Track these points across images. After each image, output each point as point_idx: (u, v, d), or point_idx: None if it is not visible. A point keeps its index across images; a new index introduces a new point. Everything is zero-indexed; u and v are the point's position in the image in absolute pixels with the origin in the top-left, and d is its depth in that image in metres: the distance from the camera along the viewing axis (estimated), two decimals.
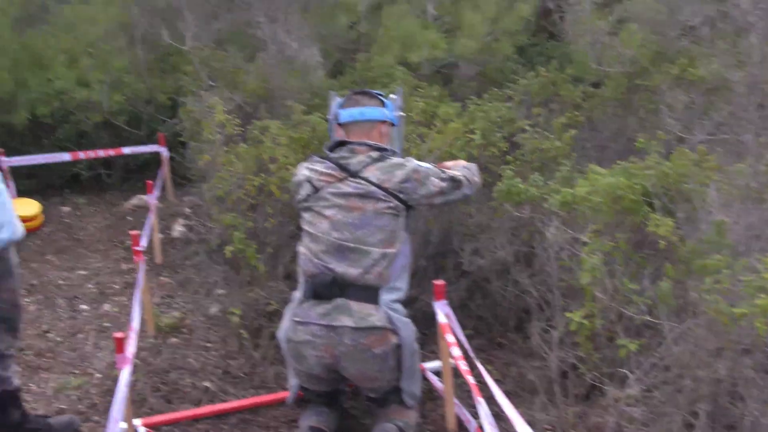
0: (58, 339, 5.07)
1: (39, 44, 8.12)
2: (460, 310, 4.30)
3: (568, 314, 3.52)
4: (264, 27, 6.59)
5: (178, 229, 6.80)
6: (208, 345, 4.82)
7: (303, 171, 3.45)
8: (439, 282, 3.55)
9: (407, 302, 3.61)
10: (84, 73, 7.95)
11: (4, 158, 7.20)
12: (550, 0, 8.33)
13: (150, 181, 6.17)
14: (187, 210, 7.28)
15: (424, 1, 7.46)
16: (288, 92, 6.12)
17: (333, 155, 3.39)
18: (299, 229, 4.98)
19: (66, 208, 7.78)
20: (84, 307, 5.56)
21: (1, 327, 3.39)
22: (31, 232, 6.72)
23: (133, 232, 4.72)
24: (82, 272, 6.24)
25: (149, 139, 8.11)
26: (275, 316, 4.61)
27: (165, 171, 7.64)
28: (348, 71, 6.93)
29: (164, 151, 7.59)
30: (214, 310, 5.22)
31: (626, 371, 3.38)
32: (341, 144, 3.43)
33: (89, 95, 7.84)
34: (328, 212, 3.30)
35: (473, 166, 3.76)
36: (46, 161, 7.64)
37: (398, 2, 7.46)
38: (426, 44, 7.02)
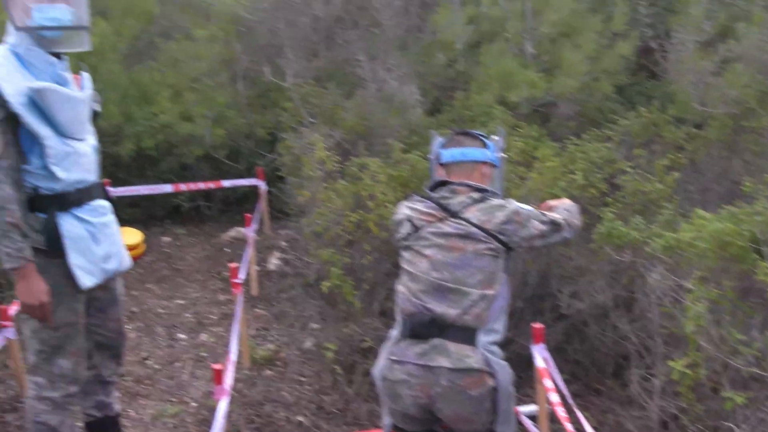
0: (157, 366, 5.18)
1: (146, 79, 8.43)
2: (556, 353, 4.22)
3: (670, 363, 3.41)
4: (364, 65, 6.67)
5: (274, 262, 6.90)
6: (302, 379, 4.86)
7: (403, 210, 3.45)
8: (538, 325, 3.50)
9: (503, 344, 3.56)
10: (188, 107, 8.21)
11: (110, 188, 7.46)
12: (651, 39, 8.20)
13: (248, 215, 6.29)
14: (283, 243, 7.39)
15: (523, 40, 7.44)
16: (386, 130, 6.17)
17: (434, 195, 3.38)
18: (395, 266, 4.99)
19: (167, 238, 7.99)
20: (182, 336, 5.69)
21: (106, 354, 3.51)
22: (133, 260, 6.91)
23: (232, 265, 4.81)
24: (181, 301, 6.39)
25: (248, 173, 8.29)
26: (370, 352, 4.61)
27: (262, 204, 7.78)
28: (446, 109, 6.95)
29: (262, 185, 7.74)
30: (308, 344, 5.26)
31: (732, 425, 3.25)
32: (442, 184, 3.42)
33: (192, 129, 8.09)
34: (428, 252, 3.29)
35: (574, 207, 3.70)
36: (149, 192, 7.89)
37: (496, 40, 7.46)
38: (524, 83, 6.99)
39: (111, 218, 3.37)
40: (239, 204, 8.59)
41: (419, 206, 3.39)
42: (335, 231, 4.92)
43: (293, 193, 6.57)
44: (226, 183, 8.00)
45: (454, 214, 3.28)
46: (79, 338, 3.28)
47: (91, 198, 3.25)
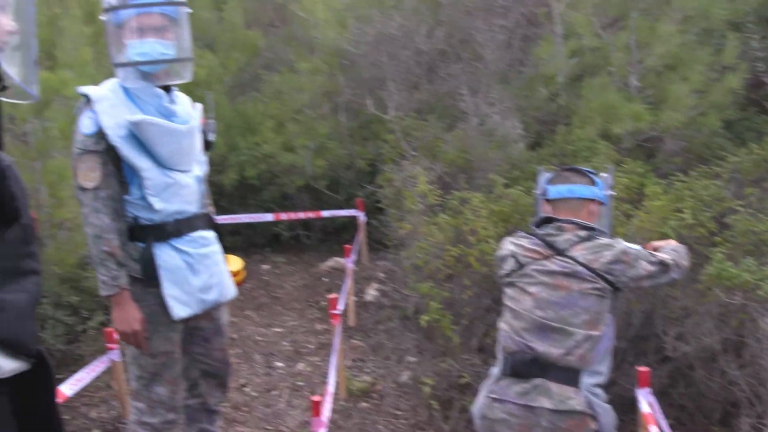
0: (254, 394, 5.24)
1: (250, 110, 8.63)
2: (660, 397, 4.08)
3: None
4: (466, 98, 6.67)
5: (371, 293, 6.92)
6: (398, 413, 4.83)
7: (508, 246, 3.42)
8: (644, 369, 3.40)
9: (605, 385, 3.47)
10: (290, 138, 8.36)
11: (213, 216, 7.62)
12: (763, 73, 7.94)
13: (347, 246, 6.34)
14: (381, 275, 7.41)
15: (627, 73, 7.31)
16: (487, 164, 6.14)
17: (539, 232, 3.34)
18: (495, 302, 4.95)
19: (266, 266, 8.12)
20: (279, 364, 5.74)
21: (212, 383, 3.56)
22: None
23: (331, 296, 4.84)
24: (279, 329, 6.47)
25: (347, 204, 8.37)
26: (467, 389, 4.56)
27: (361, 235, 7.83)
28: (547, 143, 6.88)
29: (361, 216, 7.79)
30: (405, 377, 5.24)
31: None
32: (548, 221, 3.38)
33: (294, 159, 8.23)
34: (532, 289, 3.24)
35: (682, 248, 3.59)
36: (250, 220, 8.06)
37: (599, 74, 7.35)
38: (628, 116, 6.85)
39: (213, 249, 3.40)
40: (338, 234, 8.68)
41: (524, 242, 3.35)
42: (435, 265, 4.90)
43: (392, 225, 6.60)
44: (326, 213, 8.10)
45: (560, 252, 3.23)
46: (176, 367, 3.33)
47: (192, 229, 3.30)
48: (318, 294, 7.25)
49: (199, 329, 3.43)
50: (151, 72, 3.15)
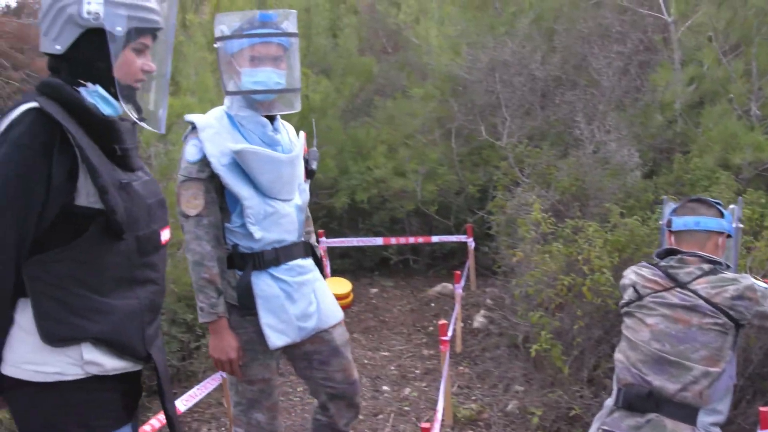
0: (361, 417, 5.24)
1: (362, 135, 8.73)
2: None
3: None
4: (581, 125, 6.57)
5: (479, 319, 6.87)
6: None
7: (630, 275, 3.35)
8: (765, 409, 3.24)
9: (722, 425, 3.33)
10: (401, 163, 8.41)
11: (323, 239, 7.74)
12: None
13: (457, 272, 6.31)
14: (489, 301, 7.34)
15: (748, 100, 7.06)
16: (602, 192, 6.01)
17: (662, 263, 3.26)
18: (607, 333, 4.84)
19: (374, 290, 8.16)
20: (386, 388, 5.75)
21: (341, 404, 3.48)
22: (342, 309, 7.10)
23: (441, 323, 4.82)
24: (386, 353, 6.48)
25: (457, 229, 8.35)
26: (576, 421, 4.47)
27: (470, 261, 7.79)
28: (663, 172, 6.70)
29: (471, 242, 7.75)
30: (512, 406, 5.16)
31: None
32: (671, 252, 3.29)
33: (404, 184, 8.27)
34: (650, 320, 3.15)
35: None
36: (360, 244, 8.13)
37: (719, 101, 7.13)
38: (749, 146, 6.61)
39: (310, 277, 3.37)
40: (446, 259, 8.66)
41: (645, 273, 3.27)
42: (547, 294, 4.83)
43: (502, 252, 6.54)
44: (435, 238, 8.08)
45: (682, 285, 3.13)
46: (274, 393, 3.34)
47: (290, 257, 3.28)
48: (425, 319, 7.24)
49: (315, 353, 3.40)
50: (261, 101, 3.19)
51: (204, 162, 3.09)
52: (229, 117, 3.18)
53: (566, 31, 8.57)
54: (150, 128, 2.42)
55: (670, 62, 7.54)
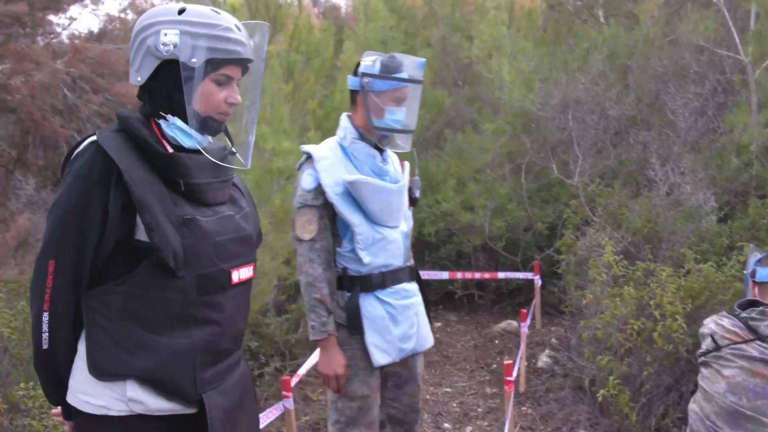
0: None
1: (431, 167, 8.73)
2: None
3: None
4: (655, 166, 6.46)
5: (543, 359, 6.76)
6: None
7: (709, 324, 3.26)
8: None
9: None
10: (469, 197, 8.38)
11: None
12: None
13: (524, 310, 6.23)
14: (554, 341, 7.22)
15: None
16: (675, 235, 5.88)
17: (743, 314, 3.16)
18: (677, 382, 4.71)
19: (438, 324, 8.11)
20: (447, 425, 5.68)
21: (398, 429, 3.60)
22: None
23: (507, 362, 4.76)
24: (448, 389, 6.41)
25: (523, 266, 8.27)
26: None
27: (536, 300, 7.68)
28: (738, 216, 6.53)
29: (537, 280, 7.65)
30: None
31: None
32: (754, 303, 3.19)
33: (472, 219, 8.23)
34: (727, 372, 3.06)
35: None
36: (426, 277, 8.08)
37: None
38: None
39: (414, 301, 3.52)
40: (511, 296, 8.58)
41: (725, 323, 3.18)
42: (616, 338, 4.72)
43: (570, 291, 6.45)
44: (502, 275, 8.00)
45: (762, 338, 3.03)
46: (372, 412, 3.44)
47: (396, 281, 3.45)
48: (489, 356, 7.15)
49: (394, 375, 3.54)
50: (385, 137, 3.38)
51: (319, 190, 3.30)
52: (342, 148, 3.40)
53: (640, 69, 8.48)
54: (233, 165, 2.41)
55: (747, 104, 7.38)
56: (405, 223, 3.56)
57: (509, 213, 8.30)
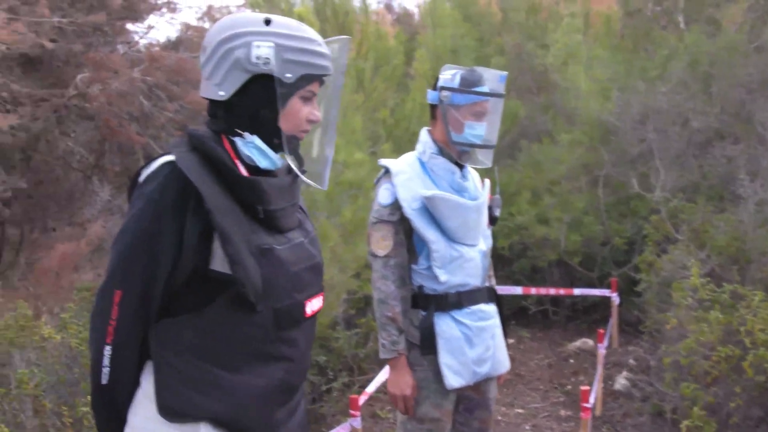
0: None
1: (505, 179, 8.52)
2: None
3: None
4: (744, 182, 6.15)
5: (621, 381, 6.50)
6: None
7: None
8: None
9: None
10: (544, 210, 8.16)
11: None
12: None
13: (601, 330, 5.99)
14: (632, 362, 6.96)
15: None
16: (766, 256, 5.58)
17: None
18: (767, 414, 4.44)
19: (510, 340, 7.88)
20: None
21: None
22: None
23: (583, 389, 4.56)
24: (520, 410, 6.23)
25: (600, 282, 8.02)
26: None
27: (614, 319, 7.40)
28: None
29: (615, 297, 7.37)
30: None
31: None
32: None
33: (547, 232, 8.02)
34: None
35: None
36: (498, 292, 7.86)
37: None
38: None
39: (491, 323, 3.40)
40: (587, 313, 8.32)
41: None
42: (701, 366, 4.47)
43: (650, 311, 6.20)
44: (578, 291, 7.75)
45: None
46: None
47: (473, 301, 3.33)
48: (563, 376, 6.92)
49: (466, 398, 3.41)
50: (464, 152, 3.31)
51: (395, 206, 3.25)
52: (421, 163, 3.34)
53: (725, 79, 8.12)
54: (311, 183, 2.24)
55: None
56: (484, 242, 3.45)
57: (586, 227, 8.05)
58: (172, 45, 12.63)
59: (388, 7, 18.51)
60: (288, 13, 7.66)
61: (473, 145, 3.27)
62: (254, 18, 2.10)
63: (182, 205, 1.97)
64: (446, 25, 9.76)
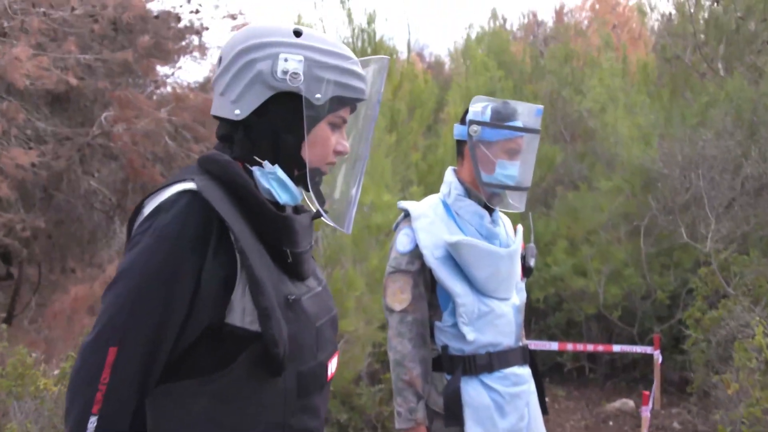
0: None
1: (540, 227, 8.13)
2: None
3: None
4: None
5: None
6: None
7: None
8: None
9: None
10: (582, 261, 7.75)
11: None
12: None
13: (646, 392, 5.54)
14: (676, 425, 6.47)
15: None
16: None
17: None
18: None
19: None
20: None
21: None
22: None
23: None
24: None
25: (641, 338, 7.56)
26: None
27: (657, 379, 6.91)
28: None
29: (657, 355, 6.90)
30: None
31: None
32: None
33: (585, 284, 7.60)
34: None
35: None
36: (532, 347, 7.44)
37: None
38: None
39: (526, 389, 2.97)
40: (626, 370, 7.86)
41: None
42: None
43: (697, 370, 5.76)
44: (617, 347, 7.27)
45: None
46: None
47: (505, 364, 2.92)
48: None
49: None
50: (495, 194, 2.93)
51: (415, 253, 2.88)
52: (445, 205, 2.98)
53: None
54: (333, 224, 1.88)
55: None
56: (517, 296, 3.03)
57: (626, 279, 7.61)
58: (200, 86, 12.49)
59: (420, 55, 18.41)
60: None
61: (505, 187, 2.90)
62: (282, 28, 1.75)
63: (203, 243, 1.59)
64: (480, 71, 9.45)
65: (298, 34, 1.73)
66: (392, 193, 6.08)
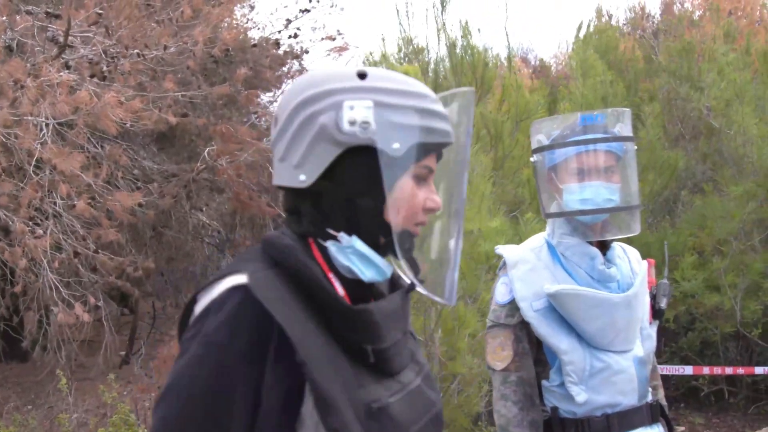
0: None
1: (669, 239, 7.53)
2: None
3: None
4: None
5: None
6: None
7: None
8: None
9: None
10: (715, 275, 7.13)
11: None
12: None
13: None
14: None
15: None
16: None
17: None
18: None
19: (680, 428, 6.88)
20: None
21: None
22: None
23: None
24: None
25: None
26: None
27: None
28: None
29: None
30: None
31: None
32: None
33: (720, 301, 6.98)
34: None
35: None
36: (663, 372, 6.91)
37: None
38: None
39: None
40: None
41: None
42: None
43: None
44: (759, 369, 6.65)
45: None
46: None
47: (628, 426, 2.53)
48: None
49: None
50: (590, 223, 2.53)
51: (515, 305, 2.54)
52: (550, 247, 2.60)
53: None
54: (432, 296, 1.55)
55: None
56: (641, 345, 2.59)
57: (765, 293, 6.97)
58: None
59: (525, 60, 17.93)
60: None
61: (579, 212, 2.47)
62: (344, 72, 1.45)
63: (260, 350, 1.33)
64: (594, 74, 8.92)
65: (362, 76, 1.43)
66: (496, 215, 5.66)
